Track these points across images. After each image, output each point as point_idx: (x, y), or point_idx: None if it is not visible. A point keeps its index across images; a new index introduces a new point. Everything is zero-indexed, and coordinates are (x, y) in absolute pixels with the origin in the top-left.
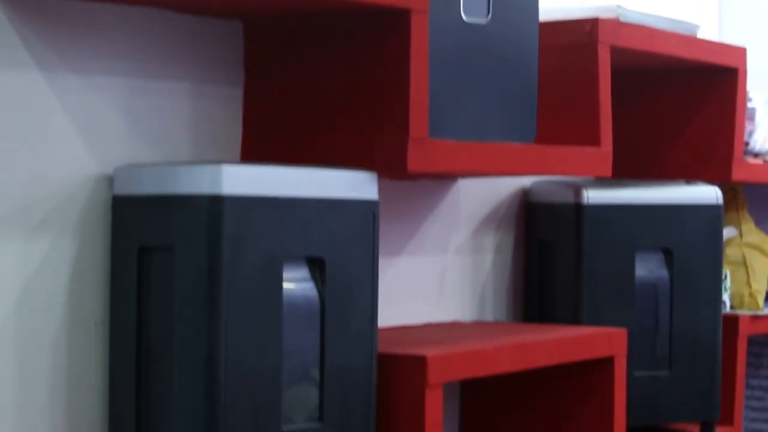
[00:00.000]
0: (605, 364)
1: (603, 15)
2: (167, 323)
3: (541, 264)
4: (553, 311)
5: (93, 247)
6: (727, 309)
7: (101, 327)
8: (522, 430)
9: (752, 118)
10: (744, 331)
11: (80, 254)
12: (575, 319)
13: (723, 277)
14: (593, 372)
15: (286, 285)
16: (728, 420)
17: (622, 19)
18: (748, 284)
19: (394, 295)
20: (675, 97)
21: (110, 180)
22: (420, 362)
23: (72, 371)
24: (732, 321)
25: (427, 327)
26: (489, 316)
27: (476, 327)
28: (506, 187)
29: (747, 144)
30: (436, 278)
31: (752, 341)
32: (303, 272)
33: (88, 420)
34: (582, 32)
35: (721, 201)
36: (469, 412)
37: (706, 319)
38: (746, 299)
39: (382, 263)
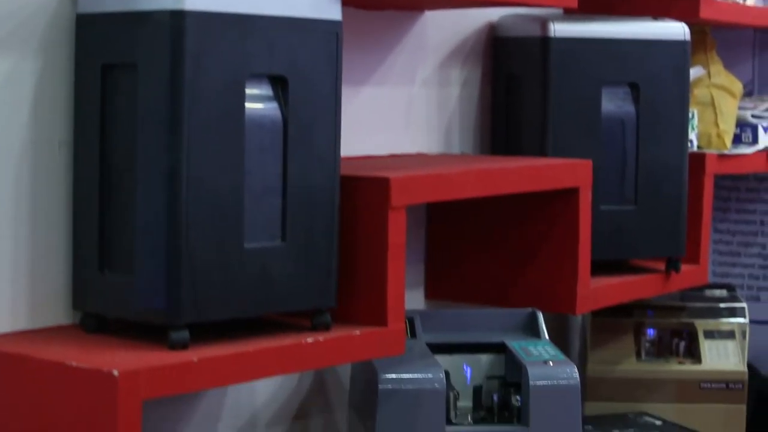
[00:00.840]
0: (570, 195)
1: None
2: (130, 141)
3: (508, 98)
4: (519, 145)
5: (57, 65)
6: (695, 148)
7: (65, 146)
8: (487, 259)
9: None
10: (710, 169)
11: (44, 73)
12: (541, 153)
13: (690, 116)
14: (559, 203)
15: (248, 104)
16: (694, 258)
17: None
18: (716, 124)
19: (359, 125)
20: None
21: None
22: (383, 184)
23: (36, 190)
24: (699, 159)
25: (392, 157)
26: (455, 149)
27: (442, 158)
28: (473, 20)
29: None
30: (401, 110)
31: (720, 185)
32: (266, 91)
33: (52, 239)
34: None
35: (688, 37)
36: (435, 239)
37: (672, 155)
38: (713, 139)
39: (347, 93)
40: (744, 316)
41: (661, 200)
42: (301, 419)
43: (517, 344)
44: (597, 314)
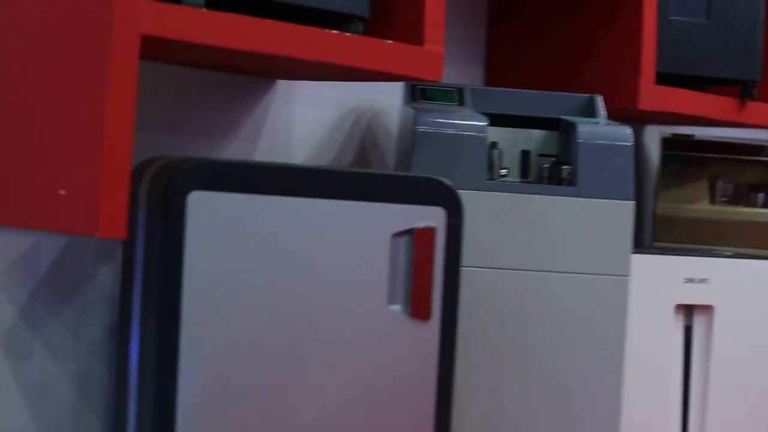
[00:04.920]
0: None
1: None
2: None
3: None
4: None
5: None
6: None
7: None
8: (548, 55)
9: None
10: None
11: None
12: None
13: None
14: (621, 6)
15: None
16: None
17: None
18: None
19: None
20: None
21: None
22: None
23: None
24: None
25: None
26: None
27: None
28: None
29: None
30: None
31: None
32: None
33: None
34: None
35: None
36: (495, 38)
37: None
38: None
39: None
40: None
41: (737, 17)
42: None
43: (571, 117)
44: (669, 162)
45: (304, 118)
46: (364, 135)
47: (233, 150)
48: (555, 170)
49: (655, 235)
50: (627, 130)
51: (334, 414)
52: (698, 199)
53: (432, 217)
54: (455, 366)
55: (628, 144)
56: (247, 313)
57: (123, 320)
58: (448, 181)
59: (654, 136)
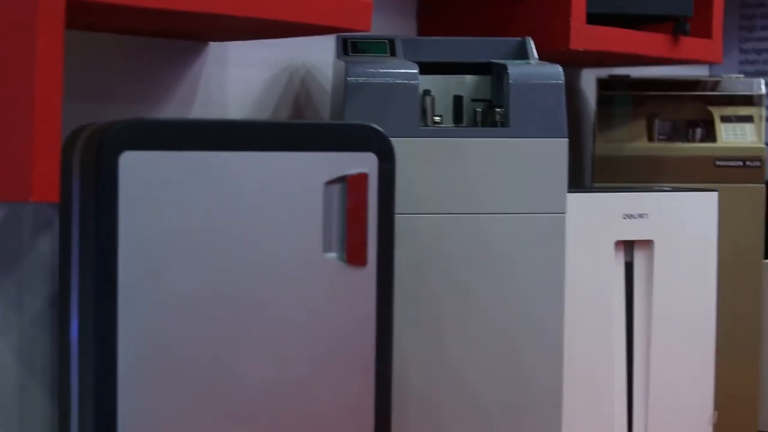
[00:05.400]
0: None
1: None
2: None
3: None
4: None
5: None
6: None
7: None
8: (475, 3)
9: None
10: None
11: None
12: None
13: None
14: None
15: None
16: (706, 32)
17: None
18: None
19: None
20: None
21: None
22: None
23: None
24: None
25: None
26: None
27: None
28: None
29: None
30: None
31: (745, 2)
32: None
33: None
34: None
35: None
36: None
37: None
38: None
39: None
40: (761, 92)
41: None
42: None
43: (502, 60)
44: (606, 103)
45: (237, 78)
46: (298, 92)
47: (168, 115)
48: (488, 113)
49: (594, 175)
50: (557, 69)
51: (275, 365)
52: (637, 138)
53: (363, 163)
54: (393, 310)
55: (559, 82)
56: (184, 270)
57: (63, 289)
58: (377, 127)
59: (590, 78)
